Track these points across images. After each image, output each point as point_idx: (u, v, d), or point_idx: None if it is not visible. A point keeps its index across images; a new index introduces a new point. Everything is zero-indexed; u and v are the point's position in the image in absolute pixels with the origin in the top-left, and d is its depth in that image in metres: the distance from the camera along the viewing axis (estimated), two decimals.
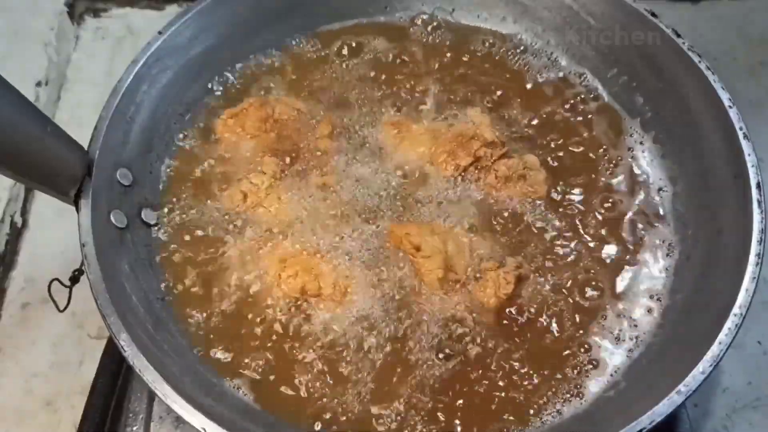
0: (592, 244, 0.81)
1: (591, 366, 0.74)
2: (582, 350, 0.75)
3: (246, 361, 0.74)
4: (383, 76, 0.93)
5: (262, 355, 0.74)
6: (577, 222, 0.82)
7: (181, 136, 0.88)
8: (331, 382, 0.73)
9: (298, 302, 0.76)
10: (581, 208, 0.83)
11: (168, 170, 0.86)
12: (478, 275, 0.77)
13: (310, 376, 0.73)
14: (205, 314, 0.77)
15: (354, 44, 0.96)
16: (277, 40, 0.96)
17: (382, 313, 0.76)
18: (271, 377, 0.73)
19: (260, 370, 0.74)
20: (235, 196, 0.83)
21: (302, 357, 0.74)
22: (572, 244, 0.81)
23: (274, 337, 0.75)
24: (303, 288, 0.76)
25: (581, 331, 0.76)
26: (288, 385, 0.73)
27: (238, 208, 0.82)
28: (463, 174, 0.84)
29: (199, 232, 0.81)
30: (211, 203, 0.83)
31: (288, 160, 0.86)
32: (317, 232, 0.80)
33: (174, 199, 0.84)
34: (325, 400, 0.72)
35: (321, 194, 0.83)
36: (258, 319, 0.76)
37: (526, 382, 0.73)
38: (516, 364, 0.74)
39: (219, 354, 0.74)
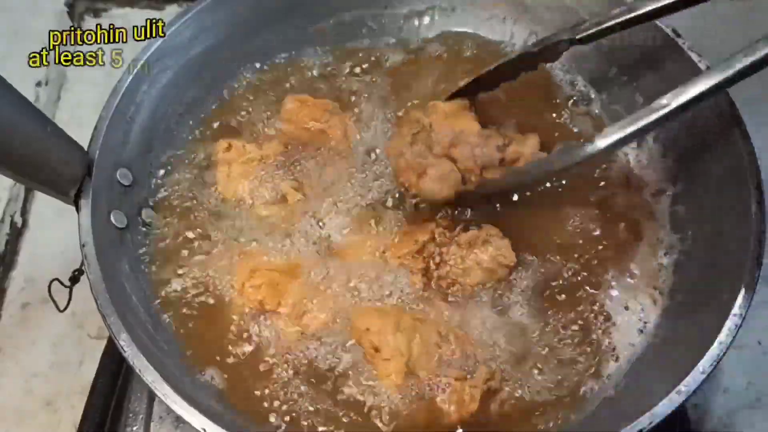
0: (590, 240, 0.81)
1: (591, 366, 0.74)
2: (582, 348, 0.75)
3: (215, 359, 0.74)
4: (382, 77, 0.93)
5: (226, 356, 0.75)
6: (577, 220, 0.82)
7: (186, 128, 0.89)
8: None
9: (257, 314, 0.76)
10: (580, 206, 0.83)
11: (168, 160, 0.86)
12: (445, 383, 0.70)
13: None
14: (180, 313, 0.77)
15: (354, 43, 0.97)
16: (278, 40, 0.96)
17: (326, 353, 0.74)
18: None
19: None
20: (221, 145, 0.84)
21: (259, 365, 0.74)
22: (570, 246, 0.81)
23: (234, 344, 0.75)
24: (261, 301, 0.75)
25: (582, 332, 0.76)
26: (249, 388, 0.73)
27: (233, 195, 0.83)
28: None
29: (191, 229, 0.82)
30: (207, 192, 0.84)
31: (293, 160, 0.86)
32: (301, 245, 0.80)
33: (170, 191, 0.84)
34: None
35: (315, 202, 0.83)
36: (223, 324, 0.76)
37: (528, 386, 0.73)
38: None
39: (189, 353, 0.74)
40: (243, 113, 0.90)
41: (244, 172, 0.84)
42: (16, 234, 1.05)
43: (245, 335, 0.75)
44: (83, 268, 0.69)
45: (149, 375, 0.63)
